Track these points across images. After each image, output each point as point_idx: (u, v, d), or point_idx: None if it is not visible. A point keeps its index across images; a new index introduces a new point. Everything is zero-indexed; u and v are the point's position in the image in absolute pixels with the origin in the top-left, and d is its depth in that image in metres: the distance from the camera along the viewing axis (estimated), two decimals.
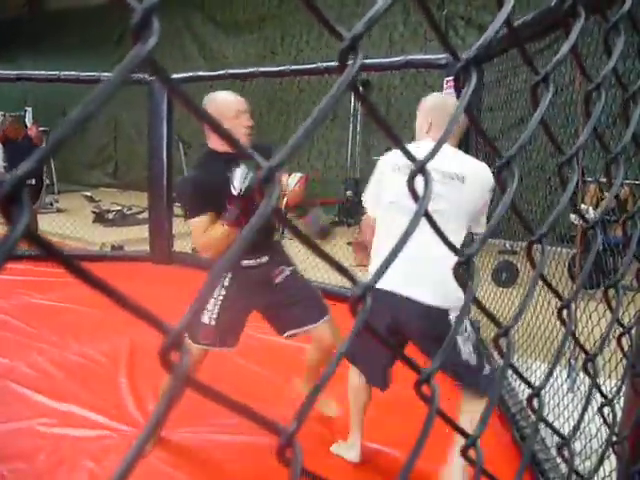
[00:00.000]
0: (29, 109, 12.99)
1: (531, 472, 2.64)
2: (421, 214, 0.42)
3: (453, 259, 0.52)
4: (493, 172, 0.55)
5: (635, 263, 0.91)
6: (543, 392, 2.44)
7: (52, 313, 4.69)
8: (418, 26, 9.17)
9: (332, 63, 5.38)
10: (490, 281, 5.32)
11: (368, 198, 2.52)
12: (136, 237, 7.55)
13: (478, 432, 0.56)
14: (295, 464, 0.39)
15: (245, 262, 2.60)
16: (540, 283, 0.71)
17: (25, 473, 2.56)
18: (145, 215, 7.50)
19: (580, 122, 3.30)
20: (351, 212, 9.03)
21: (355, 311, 0.40)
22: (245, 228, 0.35)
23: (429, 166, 0.45)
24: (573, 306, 0.70)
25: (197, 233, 2.47)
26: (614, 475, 1.82)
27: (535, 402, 0.67)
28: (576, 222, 4.48)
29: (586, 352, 0.77)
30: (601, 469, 2.18)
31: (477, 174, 2.30)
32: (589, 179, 4.66)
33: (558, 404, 2.93)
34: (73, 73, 6.65)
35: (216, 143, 2.61)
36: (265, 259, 2.66)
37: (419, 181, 0.44)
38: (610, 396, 0.83)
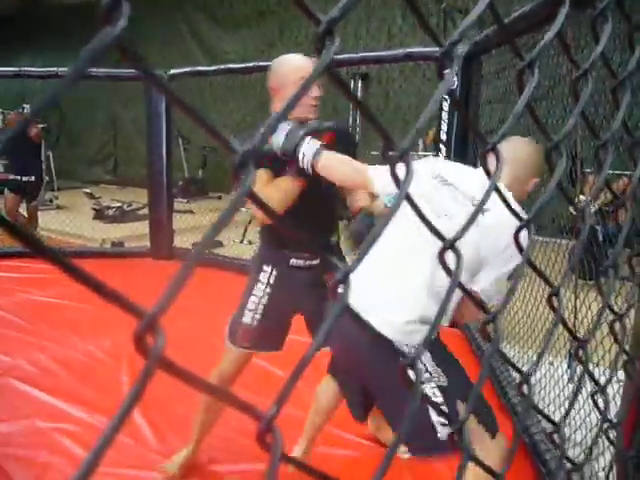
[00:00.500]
0: (27, 106, 12.98)
1: (532, 463, 2.65)
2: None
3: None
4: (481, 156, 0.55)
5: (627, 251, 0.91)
6: (544, 383, 2.44)
7: (53, 310, 4.70)
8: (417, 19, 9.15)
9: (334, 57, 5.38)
10: None
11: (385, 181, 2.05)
12: (136, 233, 7.56)
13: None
14: (275, 449, 0.39)
15: (293, 261, 2.39)
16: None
17: (26, 470, 2.57)
18: (145, 211, 7.50)
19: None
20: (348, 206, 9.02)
21: (334, 295, 0.40)
22: (223, 211, 0.35)
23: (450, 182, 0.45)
24: (563, 292, 0.70)
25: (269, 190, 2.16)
26: (606, 460, 1.83)
27: (525, 388, 0.68)
28: (575, 213, 4.47)
29: (577, 338, 0.77)
30: (601, 457, 2.19)
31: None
32: (587, 170, 4.65)
33: (558, 395, 2.93)
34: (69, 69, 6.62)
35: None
36: (316, 262, 2.39)
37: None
38: (603, 383, 0.83)
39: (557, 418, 2.47)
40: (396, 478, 2.50)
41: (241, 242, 7.49)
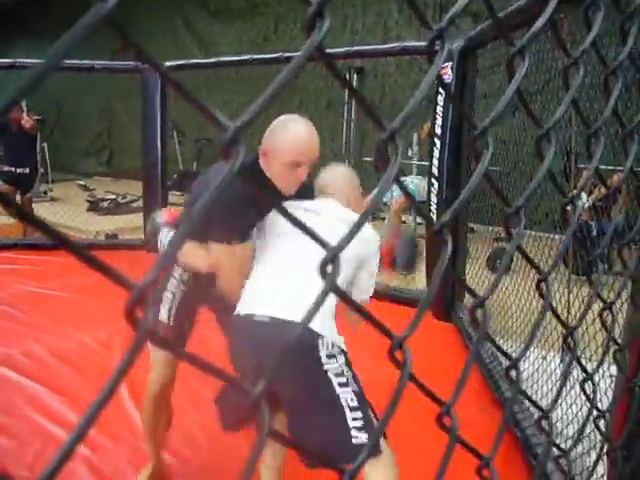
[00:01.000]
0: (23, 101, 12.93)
1: (523, 456, 2.67)
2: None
3: None
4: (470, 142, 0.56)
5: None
6: (536, 377, 2.44)
7: (48, 302, 4.69)
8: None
9: (330, 50, 5.38)
10: (485, 267, 5.33)
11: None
12: (130, 225, 7.54)
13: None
14: (262, 425, 0.39)
15: None
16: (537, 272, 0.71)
17: (19, 461, 2.57)
18: (139, 203, 7.48)
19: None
20: None
21: (324, 273, 0.41)
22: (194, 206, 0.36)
23: None
24: (553, 281, 0.71)
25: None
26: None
27: (513, 374, 0.68)
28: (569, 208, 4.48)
29: (565, 325, 0.78)
30: (592, 451, 2.20)
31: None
32: (582, 166, 4.66)
33: (551, 389, 2.95)
34: (67, 61, 6.61)
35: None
36: None
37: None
38: (591, 371, 0.84)
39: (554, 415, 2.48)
40: None
41: None
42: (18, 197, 7.04)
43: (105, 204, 9.21)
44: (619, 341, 0.98)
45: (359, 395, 1.81)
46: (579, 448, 2.41)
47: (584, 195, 4.97)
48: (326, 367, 1.79)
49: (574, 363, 0.78)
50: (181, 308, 2.30)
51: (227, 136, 0.36)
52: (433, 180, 4.45)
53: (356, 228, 0.42)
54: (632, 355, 1.05)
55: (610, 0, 0.76)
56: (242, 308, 1.93)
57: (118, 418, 2.91)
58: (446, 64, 4.27)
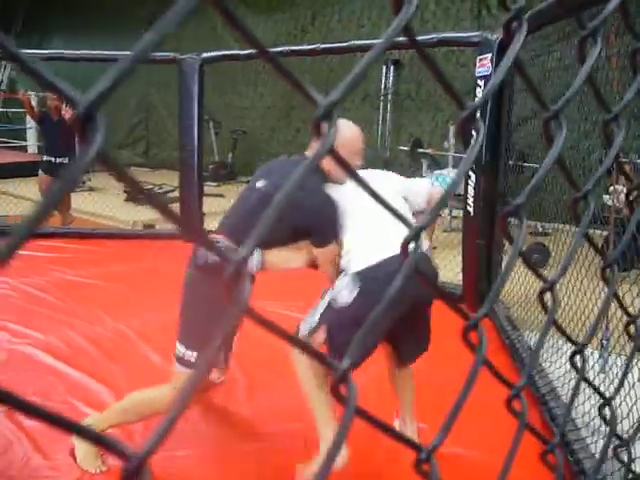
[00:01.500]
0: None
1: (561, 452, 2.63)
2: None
3: None
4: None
5: None
6: (573, 375, 2.41)
7: (84, 289, 4.77)
8: (450, 4, 9.06)
9: (363, 42, 5.36)
10: (521, 262, 5.27)
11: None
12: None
13: (522, 384, 0.57)
14: (350, 400, 0.39)
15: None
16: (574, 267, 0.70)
17: (61, 446, 2.62)
18: (176, 194, 7.55)
19: (615, 101, 3.23)
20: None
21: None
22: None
23: None
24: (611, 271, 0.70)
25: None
26: None
27: (578, 360, 0.67)
28: (609, 203, 4.41)
29: (627, 313, 0.77)
30: None
31: None
32: (624, 160, 4.57)
33: (589, 385, 2.90)
34: (104, 52, 6.70)
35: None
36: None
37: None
38: None
39: (586, 409, 2.44)
40: None
41: None
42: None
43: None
44: None
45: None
46: None
47: (620, 187, 4.88)
48: None
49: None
50: None
51: (319, 112, 0.36)
52: (470, 172, 4.40)
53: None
54: None
55: None
56: (360, 265, 2.36)
57: None
58: (486, 55, 4.22)
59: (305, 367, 2.45)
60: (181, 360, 2.40)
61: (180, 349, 2.40)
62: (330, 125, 0.36)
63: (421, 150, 8.04)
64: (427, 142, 8.53)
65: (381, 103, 9.69)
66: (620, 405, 2.41)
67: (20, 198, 8.34)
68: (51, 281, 4.91)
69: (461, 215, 5.11)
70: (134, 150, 14.43)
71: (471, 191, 4.41)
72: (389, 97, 9.61)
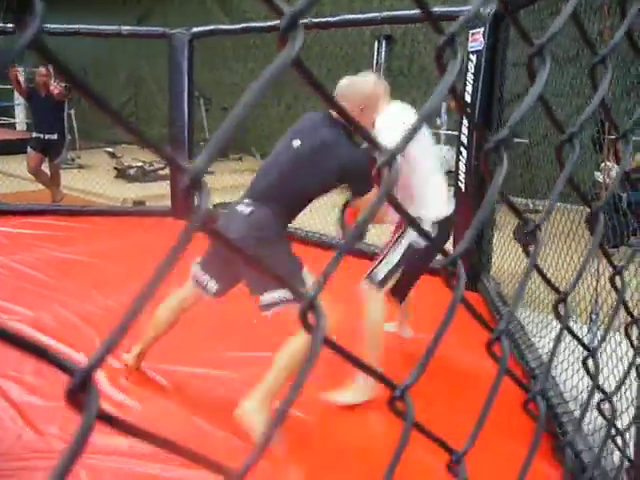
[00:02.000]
0: (50, 65, 12.95)
1: (550, 425, 2.66)
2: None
3: None
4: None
5: None
6: (563, 345, 2.42)
7: (74, 266, 4.75)
8: None
9: (355, 16, 5.31)
10: (512, 238, 5.28)
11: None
12: (157, 193, 7.58)
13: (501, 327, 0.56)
14: (318, 328, 0.39)
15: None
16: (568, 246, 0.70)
17: (51, 420, 2.62)
18: (166, 171, 7.51)
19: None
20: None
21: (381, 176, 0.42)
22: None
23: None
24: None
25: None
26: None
27: (561, 308, 0.67)
28: (600, 179, 4.42)
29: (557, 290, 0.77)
30: None
31: None
32: (615, 136, 4.57)
33: (578, 358, 2.93)
34: (93, 27, 6.62)
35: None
36: None
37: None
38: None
39: (575, 382, 2.46)
40: None
41: None
42: (46, 164, 7.09)
43: (132, 172, 9.25)
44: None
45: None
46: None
47: (614, 164, 4.88)
48: None
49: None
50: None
51: (283, 22, 0.36)
52: (462, 149, 4.39)
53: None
54: None
55: None
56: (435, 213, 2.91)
57: None
58: (478, 30, 4.19)
59: (380, 306, 2.88)
60: (276, 303, 2.53)
61: (268, 298, 2.53)
62: (295, 36, 0.35)
63: None
64: None
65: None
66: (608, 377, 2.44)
67: (10, 176, 8.27)
68: (41, 258, 4.89)
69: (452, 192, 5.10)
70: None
71: (462, 167, 4.41)
72: (381, 73, 9.55)
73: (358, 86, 2.77)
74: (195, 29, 6.13)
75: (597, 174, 4.81)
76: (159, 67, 8.76)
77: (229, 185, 8.60)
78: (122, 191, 8.02)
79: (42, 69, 6.96)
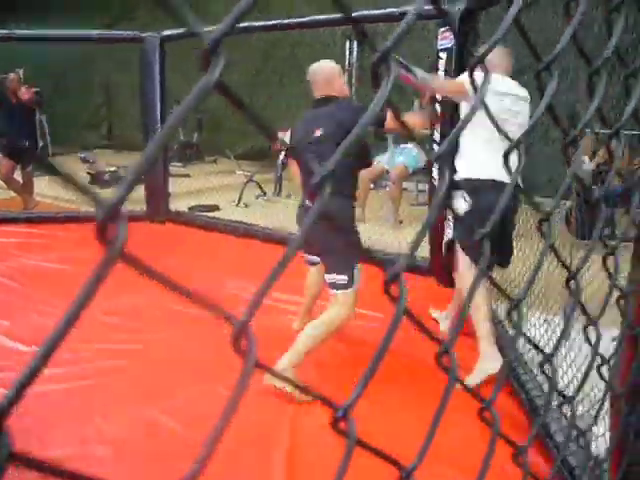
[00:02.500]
0: (20, 70, 12.80)
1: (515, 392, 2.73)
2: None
3: None
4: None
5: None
6: (539, 340, 2.46)
7: (50, 275, 4.70)
8: None
9: (326, 16, 5.32)
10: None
11: None
12: (132, 197, 7.45)
13: (493, 397, 0.57)
14: (250, 354, 0.40)
15: None
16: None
17: (26, 436, 2.60)
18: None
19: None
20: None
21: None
22: None
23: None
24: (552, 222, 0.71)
25: None
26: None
27: (515, 315, 0.68)
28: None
29: (567, 269, 0.78)
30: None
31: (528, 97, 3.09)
32: (587, 131, 4.62)
33: (527, 341, 2.97)
34: (62, 32, 6.57)
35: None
36: None
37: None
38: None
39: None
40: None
41: (237, 205, 7.50)
42: (18, 172, 7.00)
43: (106, 176, 9.16)
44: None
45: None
46: (586, 405, 2.43)
47: (587, 159, 4.95)
48: None
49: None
50: None
51: (206, 46, 0.36)
52: (435, 146, 4.42)
53: None
54: (638, 302, 1.04)
55: None
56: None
57: None
58: (447, 27, 4.22)
59: (482, 296, 3.02)
60: (334, 285, 3.05)
61: (330, 277, 3.06)
62: (216, 60, 0.36)
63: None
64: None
65: (346, 78, 9.64)
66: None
67: None
68: (14, 267, 4.83)
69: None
70: (98, 131, 14.21)
71: (436, 164, 4.42)
72: (354, 72, 9.57)
73: (319, 69, 3.31)
74: (166, 32, 6.10)
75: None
76: (131, 71, 8.69)
77: (205, 187, 8.58)
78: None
79: (12, 75, 6.89)
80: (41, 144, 8.26)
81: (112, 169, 9.41)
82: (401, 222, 6.26)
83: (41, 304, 4.02)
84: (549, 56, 0.65)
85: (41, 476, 0.33)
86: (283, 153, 7.14)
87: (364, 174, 5.21)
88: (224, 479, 1.84)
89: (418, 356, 2.93)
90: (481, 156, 3.01)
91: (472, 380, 2.94)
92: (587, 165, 5.04)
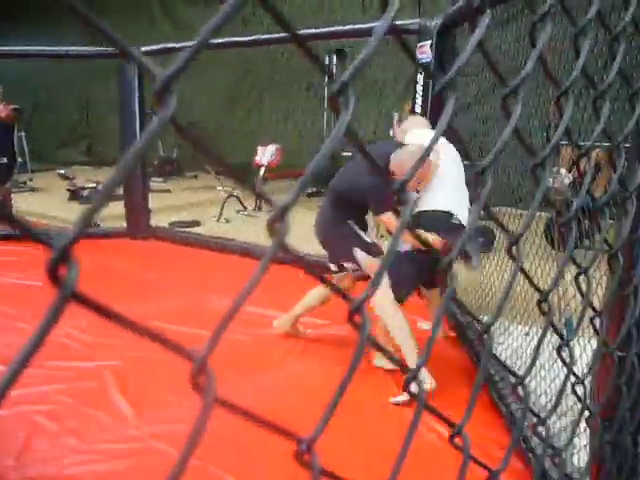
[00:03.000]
0: None
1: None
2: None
3: None
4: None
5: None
6: (520, 352, 2.47)
7: (28, 293, 4.64)
8: None
9: (307, 31, 5.35)
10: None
11: None
12: (112, 214, 7.47)
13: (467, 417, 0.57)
14: (209, 390, 0.39)
15: None
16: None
17: (9, 443, 2.57)
18: (120, 191, 7.40)
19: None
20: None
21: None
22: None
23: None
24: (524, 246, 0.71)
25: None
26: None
27: (485, 337, 0.69)
28: (550, 185, 4.50)
29: (539, 290, 0.79)
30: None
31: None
32: (563, 142, 4.66)
33: (497, 361, 3.00)
34: (40, 48, 6.54)
35: None
36: None
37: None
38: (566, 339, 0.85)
39: (533, 387, 2.51)
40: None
41: (218, 220, 7.49)
42: None
43: (86, 193, 9.11)
44: (597, 308, 0.99)
45: None
46: (563, 421, 2.44)
47: (563, 171, 5.00)
48: None
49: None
50: None
51: (158, 85, 0.36)
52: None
53: None
54: (611, 321, 1.06)
55: None
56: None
57: None
58: (425, 43, 4.26)
59: (392, 312, 3.19)
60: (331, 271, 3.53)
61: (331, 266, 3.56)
62: (168, 98, 0.36)
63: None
64: (373, 130, 8.57)
65: (325, 92, 9.69)
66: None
67: None
68: None
69: None
70: (77, 148, 14.14)
71: None
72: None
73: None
74: (144, 48, 6.10)
75: (551, 180, 4.89)
76: (109, 87, 8.66)
77: (186, 203, 8.56)
78: (76, 213, 7.86)
79: None
80: (20, 161, 8.20)
81: (92, 185, 9.36)
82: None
83: (21, 322, 3.97)
84: (515, 80, 0.66)
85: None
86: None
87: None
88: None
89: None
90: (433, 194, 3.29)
91: (400, 398, 2.98)
92: (566, 179, 5.08)
